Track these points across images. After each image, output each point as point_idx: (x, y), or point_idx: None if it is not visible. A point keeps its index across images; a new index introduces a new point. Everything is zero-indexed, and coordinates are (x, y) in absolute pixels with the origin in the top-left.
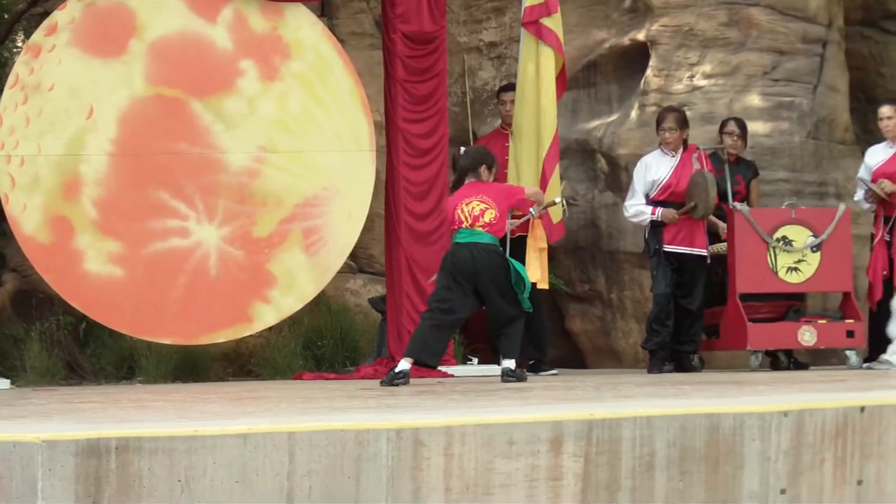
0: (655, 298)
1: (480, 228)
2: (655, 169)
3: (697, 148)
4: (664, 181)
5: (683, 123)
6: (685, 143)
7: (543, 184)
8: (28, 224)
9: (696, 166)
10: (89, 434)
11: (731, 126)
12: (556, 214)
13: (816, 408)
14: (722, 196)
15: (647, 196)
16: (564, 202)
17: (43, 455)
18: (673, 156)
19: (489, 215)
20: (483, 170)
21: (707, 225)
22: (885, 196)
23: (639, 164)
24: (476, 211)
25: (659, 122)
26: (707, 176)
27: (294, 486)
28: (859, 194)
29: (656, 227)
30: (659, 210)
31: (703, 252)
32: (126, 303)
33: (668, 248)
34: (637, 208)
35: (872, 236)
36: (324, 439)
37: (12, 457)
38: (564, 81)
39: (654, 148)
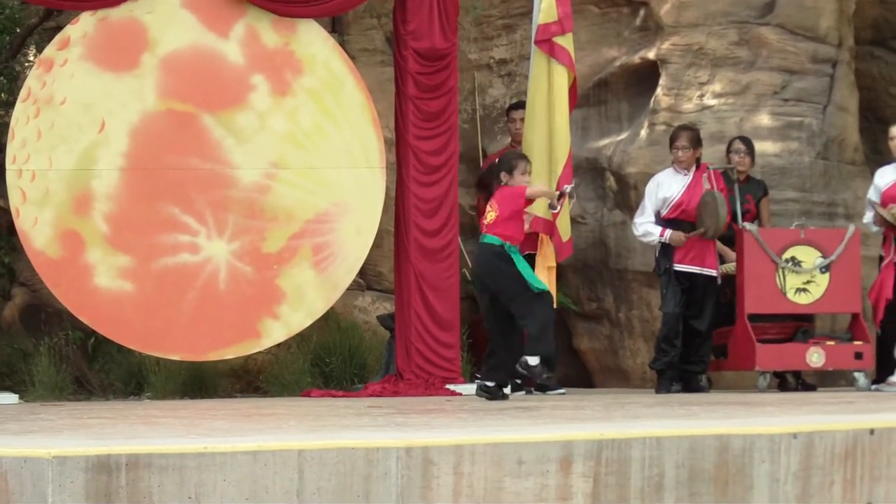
0: (664, 318)
1: (485, 231)
2: (667, 187)
3: (708, 167)
4: (675, 199)
5: (697, 142)
6: (698, 161)
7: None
8: (38, 238)
9: (707, 186)
10: (100, 450)
11: (737, 144)
12: (565, 232)
13: (826, 430)
14: (732, 216)
15: (657, 214)
16: (571, 191)
17: (53, 470)
18: (685, 174)
19: (490, 216)
20: (503, 175)
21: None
22: (895, 222)
23: (651, 181)
24: (488, 216)
25: (672, 140)
26: (717, 196)
27: None
28: (868, 216)
29: (667, 245)
30: (668, 232)
31: (713, 273)
32: (135, 318)
33: (678, 267)
34: (646, 227)
35: (881, 258)
36: (334, 457)
37: (23, 472)
38: (575, 96)
39: (667, 166)
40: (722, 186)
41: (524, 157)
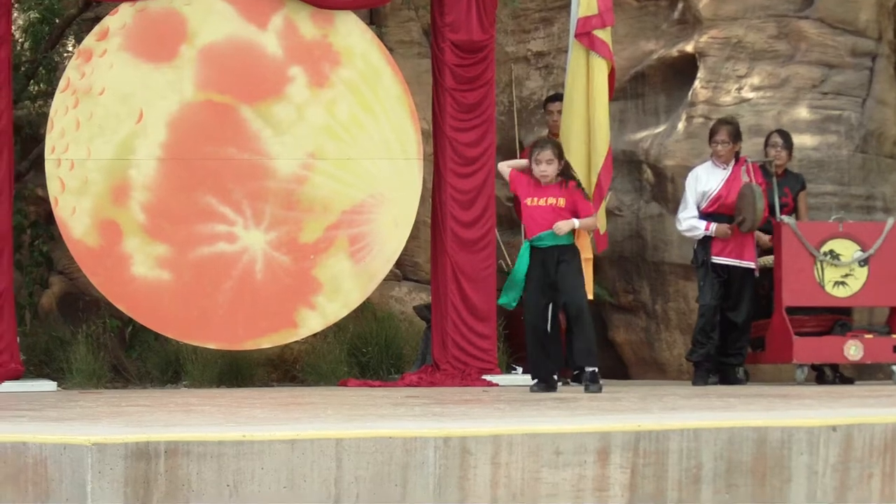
0: (701, 310)
1: None
2: (706, 180)
3: (746, 160)
4: (714, 193)
5: (736, 136)
6: (737, 155)
7: (599, 196)
8: (77, 227)
9: (745, 179)
10: (139, 437)
11: (775, 138)
12: (601, 225)
13: (865, 422)
14: (770, 209)
15: (697, 207)
16: None
17: (93, 457)
18: (724, 168)
19: None
20: None
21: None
22: None
23: (690, 175)
24: None
25: (712, 134)
26: (755, 189)
27: (341, 493)
28: None
29: (705, 238)
30: (713, 226)
31: (752, 265)
32: (172, 307)
33: (716, 259)
34: (690, 223)
35: None
36: (371, 446)
37: (63, 458)
38: (612, 87)
39: (705, 159)
40: (760, 180)
41: (541, 143)
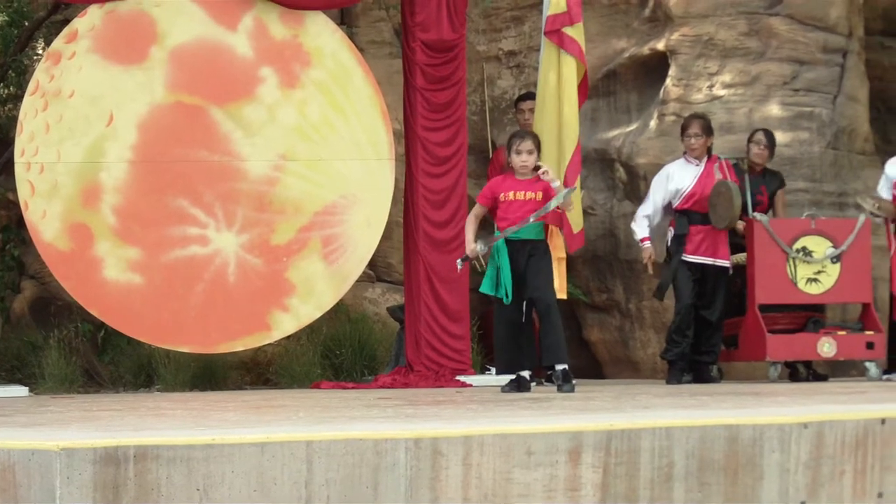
0: (677, 308)
1: None
2: (679, 178)
3: (719, 158)
4: (688, 190)
5: (708, 130)
6: (709, 151)
7: None
8: (47, 231)
9: (718, 176)
10: (108, 442)
11: (759, 136)
12: (576, 223)
13: (836, 419)
14: (743, 207)
15: (669, 204)
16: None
17: (61, 463)
18: (697, 164)
19: None
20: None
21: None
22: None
23: (660, 172)
24: None
25: (684, 128)
26: (731, 186)
27: (312, 495)
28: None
29: (679, 236)
30: (646, 244)
31: (726, 263)
32: (145, 310)
33: (689, 258)
34: (638, 224)
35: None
36: (342, 448)
37: (31, 464)
38: (586, 90)
39: (677, 157)
40: (734, 178)
41: (520, 134)
